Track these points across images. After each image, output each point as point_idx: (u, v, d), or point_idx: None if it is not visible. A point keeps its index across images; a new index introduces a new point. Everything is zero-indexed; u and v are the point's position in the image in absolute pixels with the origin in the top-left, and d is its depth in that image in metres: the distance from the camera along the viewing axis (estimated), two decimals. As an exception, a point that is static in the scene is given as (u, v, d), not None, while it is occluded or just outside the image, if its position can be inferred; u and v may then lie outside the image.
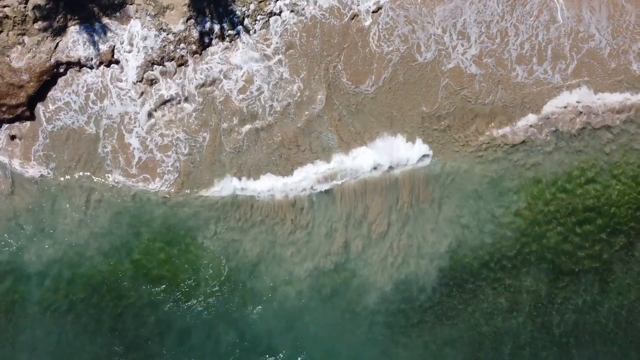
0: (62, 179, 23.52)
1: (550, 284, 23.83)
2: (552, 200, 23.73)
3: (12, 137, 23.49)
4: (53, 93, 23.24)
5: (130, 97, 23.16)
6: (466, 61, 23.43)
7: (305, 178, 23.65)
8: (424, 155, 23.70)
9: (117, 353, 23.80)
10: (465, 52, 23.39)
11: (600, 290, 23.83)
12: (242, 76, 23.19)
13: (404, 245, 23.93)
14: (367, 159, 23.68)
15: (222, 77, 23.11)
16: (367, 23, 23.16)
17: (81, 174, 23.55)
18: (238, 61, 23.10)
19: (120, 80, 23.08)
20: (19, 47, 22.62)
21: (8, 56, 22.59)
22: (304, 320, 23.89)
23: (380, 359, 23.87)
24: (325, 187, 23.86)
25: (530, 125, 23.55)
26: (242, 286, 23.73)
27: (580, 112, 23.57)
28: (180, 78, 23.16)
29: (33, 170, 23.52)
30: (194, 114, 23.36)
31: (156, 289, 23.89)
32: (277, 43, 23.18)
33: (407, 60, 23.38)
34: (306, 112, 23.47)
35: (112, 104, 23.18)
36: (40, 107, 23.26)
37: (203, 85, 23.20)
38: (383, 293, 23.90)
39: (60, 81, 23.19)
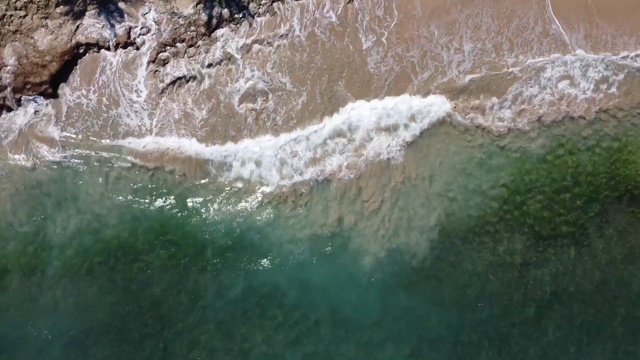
0: (84, 152, 25.66)
1: (531, 247, 25.86)
2: (532, 170, 25.85)
3: (36, 112, 25.56)
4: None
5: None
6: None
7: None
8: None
9: (132, 313, 25.75)
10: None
11: (576, 253, 25.86)
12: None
13: (395, 219, 25.97)
14: None
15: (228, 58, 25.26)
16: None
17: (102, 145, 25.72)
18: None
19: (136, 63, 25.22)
20: (43, 29, 24.69)
21: (32, 38, 24.67)
22: (307, 272, 25.66)
23: (377, 313, 25.73)
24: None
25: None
26: (250, 244, 25.56)
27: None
28: (190, 57, 25.29)
29: (55, 147, 25.68)
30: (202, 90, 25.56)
31: (168, 252, 25.91)
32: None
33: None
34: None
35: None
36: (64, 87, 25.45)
37: (211, 65, 25.34)
38: (377, 258, 25.90)
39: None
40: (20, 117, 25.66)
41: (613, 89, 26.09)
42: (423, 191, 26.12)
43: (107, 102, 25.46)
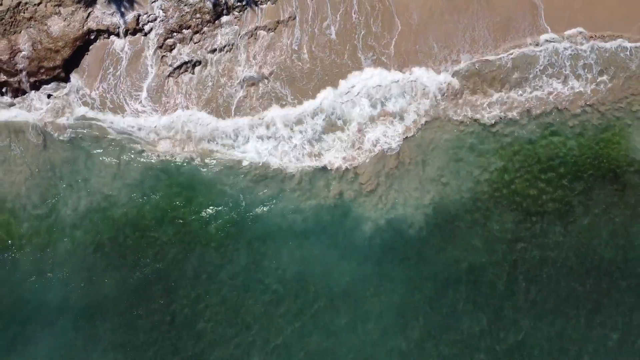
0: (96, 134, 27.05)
1: (519, 224, 27.20)
2: (520, 151, 27.22)
3: (49, 96, 26.93)
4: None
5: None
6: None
7: None
8: None
9: (140, 286, 27.04)
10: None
11: (562, 229, 27.18)
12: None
13: (392, 197, 27.35)
14: None
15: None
16: None
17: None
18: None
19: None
20: (56, 17, 26.07)
21: (46, 25, 26.04)
22: (309, 240, 27.00)
23: (374, 282, 27.07)
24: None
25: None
26: (255, 216, 26.91)
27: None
28: (196, 44, 26.69)
29: (69, 129, 27.07)
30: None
31: (174, 228, 27.24)
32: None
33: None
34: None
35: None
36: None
37: (215, 50, 26.73)
38: (376, 225, 27.16)
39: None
40: (36, 100, 27.01)
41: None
42: (416, 176, 27.50)
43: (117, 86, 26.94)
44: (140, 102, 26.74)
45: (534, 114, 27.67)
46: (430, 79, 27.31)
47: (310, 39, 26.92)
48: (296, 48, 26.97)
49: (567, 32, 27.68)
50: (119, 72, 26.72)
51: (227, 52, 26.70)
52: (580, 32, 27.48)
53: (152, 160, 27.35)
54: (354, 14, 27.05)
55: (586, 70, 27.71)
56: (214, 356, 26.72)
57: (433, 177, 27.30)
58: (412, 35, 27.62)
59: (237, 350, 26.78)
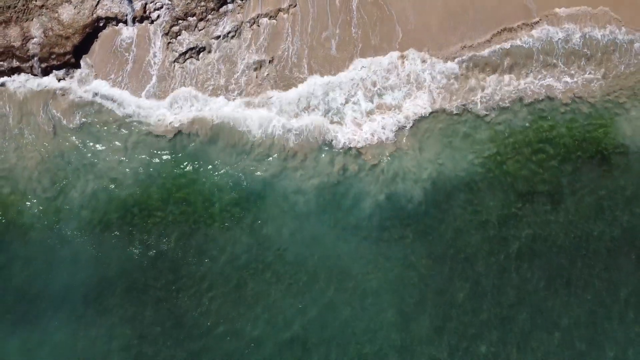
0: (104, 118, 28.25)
1: (511, 204, 28.38)
2: (511, 135, 28.41)
3: (59, 80, 28.09)
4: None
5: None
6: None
7: None
8: None
9: (146, 264, 28.16)
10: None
11: (551, 209, 28.32)
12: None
13: (392, 172, 28.50)
14: None
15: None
16: None
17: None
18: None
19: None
20: (66, 4, 27.25)
21: (57, 12, 27.22)
22: (310, 222, 28.10)
23: (372, 260, 28.25)
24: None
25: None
26: (256, 197, 28.10)
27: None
28: (201, 30, 27.89)
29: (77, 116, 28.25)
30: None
31: (179, 209, 28.40)
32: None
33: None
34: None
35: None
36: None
37: (219, 37, 27.94)
38: (376, 203, 28.29)
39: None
40: (46, 84, 28.18)
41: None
42: (414, 158, 28.69)
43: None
44: (148, 86, 27.90)
45: (525, 102, 28.80)
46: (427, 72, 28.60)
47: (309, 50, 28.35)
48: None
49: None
50: (127, 58, 27.87)
51: (230, 38, 27.89)
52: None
53: (158, 143, 28.48)
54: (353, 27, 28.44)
55: (577, 63, 28.89)
56: (218, 330, 27.83)
57: (430, 158, 28.43)
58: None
59: (240, 325, 27.90)
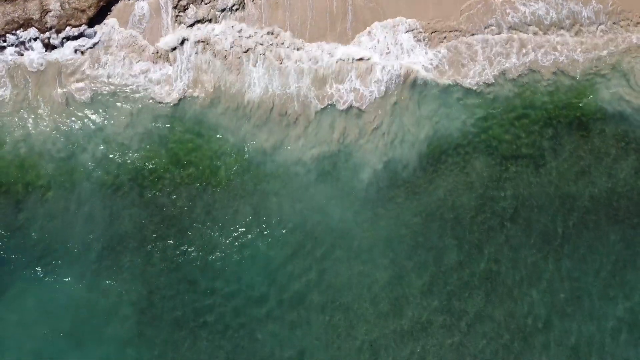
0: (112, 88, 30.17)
1: (495, 166, 30.32)
2: (496, 101, 30.44)
3: (75, 51, 30.10)
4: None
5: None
6: None
7: None
8: None
9: (156, 223, 30.02)
10: None
11: (534, 171, 30.32)
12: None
13: (392, 133, 30.34)
14: None
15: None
16: None
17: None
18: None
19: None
20: (82, -21, 29.30)
21: (73, -14, 29.28)
22: (310, 192, 29.92)
23: (367, 225, 30.15)
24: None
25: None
26: (258, 167, 29.90)
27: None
28: (207, 4, 29.91)
29: (87, 88, 30.18)
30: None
31: (186, 172, 30.36)
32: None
33: None
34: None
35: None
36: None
37: (224, 9, 29.98)
38: (374, 169, 30.12)
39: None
40: (60, 56, 30.13)
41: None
42: (414, 113, 30.57)
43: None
44: (158, 57, 29.92)
45: (509, 77, 30.76)
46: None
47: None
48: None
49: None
50: (139, 29, 29.89)
51: (235, 10, 29.91)
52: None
53: (165, 109, 30.34)
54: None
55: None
56: (224, 288, 29.72)
57: (427, 115, 30.33)
58: None
59: (243, 281, 29.81)
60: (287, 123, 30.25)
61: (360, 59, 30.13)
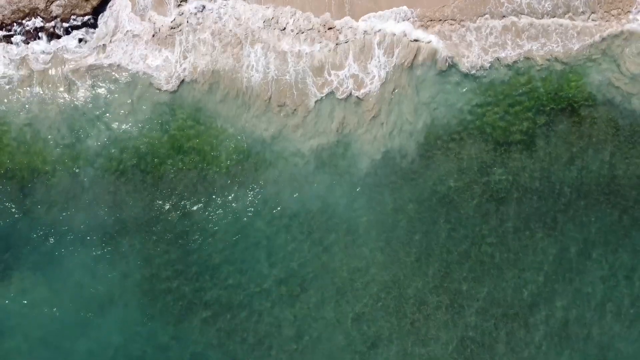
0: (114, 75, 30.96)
1: (489, 152, 31.06)
2: (490, 88, 31.20)
3: (80, 40, 30.86)
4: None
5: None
6: None
7: None
8: None
9: (158, 207, 30.89)
10: None
11: (527, 156, 31.04)
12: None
13: (391, 124, 31.06)
14: None
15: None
16: None
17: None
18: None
19: None
20: (86, -31, 30.05)
21: (79, -24, 30.04)
22: (308, 181, 30.63)
23: (364, 210, 30.87)
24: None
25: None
26: (257, 157, 30.62)
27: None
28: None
29: (88, 75, 30.93)
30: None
31: (188, 158, 31.14)
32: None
33: None
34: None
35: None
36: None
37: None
38: (372, 161, 30.85)
39: None
40: (65, 45, 30.90)
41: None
42: (412, 100, 31.24)
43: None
44: (159, 43, 30.70)
45: (504, 63, 31.44)
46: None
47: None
48: None
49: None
50: (142, 16, 30.67)
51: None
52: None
53: (165, 96, 30.95)
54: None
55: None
56: (223, 268, 30.58)
57: (425, 101, 30.98)
58: None
59: (243, 264, 30.65)
60: (285, 113, 30.88)
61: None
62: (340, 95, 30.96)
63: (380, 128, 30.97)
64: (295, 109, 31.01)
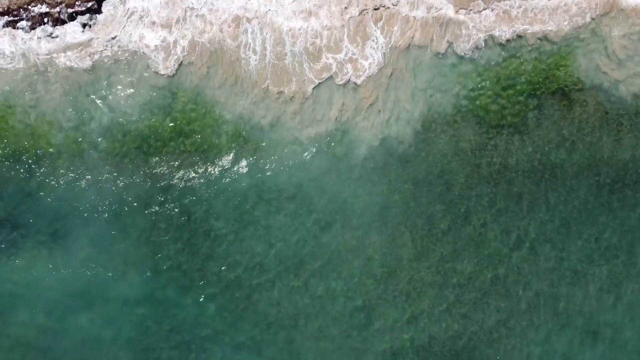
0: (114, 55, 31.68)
1: (482, 134, 31.96)
2: (483, 72, 32.09)
3: (84, 25, 31.65)
4: None
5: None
6: None
7: None
8: None
9: (161, 188, 31.64)
10: None
11: (519, 139, 31.98)
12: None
13: (388, 111, 31.90)
14: None
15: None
16: None
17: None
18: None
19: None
20: (90, -45, 30.84)
21: (81, -37, 30.83)
22: (306, 168, 31.52)
23: (361, 192, 31.72)
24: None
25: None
26: (256, 144, 31.41)
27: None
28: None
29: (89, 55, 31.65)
30: None
31: (189, 140, 31.96)
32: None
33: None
34: None
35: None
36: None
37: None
38: (370, 147, 31.67)
39: None
40: (69, 30, 31.67)
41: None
42: (409, 86, 32.02)
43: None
44: (159, 25, 31.48)
45: (497, 41, 32.25)
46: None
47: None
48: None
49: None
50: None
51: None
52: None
53: (164, 80, 31.52)
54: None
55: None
56: (224, 247, 31.44)
57: (422, 87, 31.77)
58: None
59: (243, 244, 31.54)
60: (284, 100, 31.60)
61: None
62: (339, 80, 31.67)
63: (377, 116, 31.80)
64: (293, 96, 31.69)
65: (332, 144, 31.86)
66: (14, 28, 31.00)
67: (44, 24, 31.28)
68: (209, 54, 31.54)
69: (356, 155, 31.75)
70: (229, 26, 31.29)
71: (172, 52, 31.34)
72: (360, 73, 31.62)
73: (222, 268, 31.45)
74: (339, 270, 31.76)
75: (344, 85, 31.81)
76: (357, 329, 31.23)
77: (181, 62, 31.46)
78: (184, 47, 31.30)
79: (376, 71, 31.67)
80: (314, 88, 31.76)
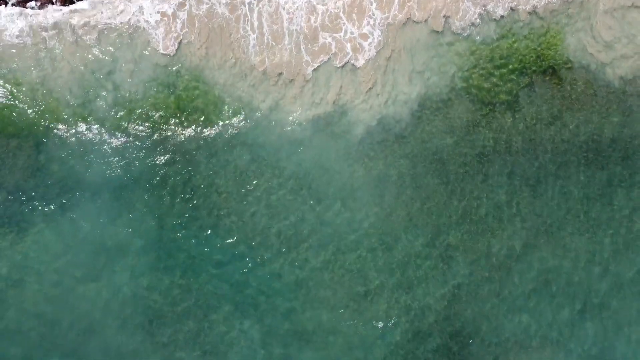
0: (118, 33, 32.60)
1: (475, 112, 33.02)
2: (476, 51, 33.23)
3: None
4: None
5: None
6: None
7: None
8: None
9: (165, 164, 32.68)
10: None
11: (511, 117, 33.09)
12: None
13: (387, 93, 32.92)
14: None
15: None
16: None
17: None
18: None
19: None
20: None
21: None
22: (304, 146, 32.54)
23: (358, 166, 32.82)
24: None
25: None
26: (255, 122, 32.50)
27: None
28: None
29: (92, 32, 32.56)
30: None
31: (193, 117, 32.98)
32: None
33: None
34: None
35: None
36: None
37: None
38: (367, 127, 32.73)
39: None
40: (77, 7, 32.57)
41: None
42: (407, 68, 33.08)
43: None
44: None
45: (492, 17, 33.14)
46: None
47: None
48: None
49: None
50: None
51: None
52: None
53: (165, 59, 32.48)
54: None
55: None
56: (226, 222, 32.43)
57: (419, 69, 32.77)
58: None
59: (244, 214, 32.51)
60: (284, 84, 32.52)
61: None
62: (338, 63, 32.56)
63: (376, 98, 32.80)
64: (292, 79, 32.63)
65: (331, 123, 32.83)
66: (24, 7, 31.94)
67: (53, 4, 32.22)
68: (207, 32, 32.39)
69: (354, 135, 32.74)
70: (231, 7, 32.18)
71: (172, 28, 32.13)
72: (359, 56, 32.49)
73: (222, 235, 32.32)
74: (335, 240, 32.68)
75: (343, 67, 32.71)
76: (354, 300, 32.32)
77: (180, 40, 32.31)
78: (183, 22, 32.06)
79: (375, 54, 32.58)
80: (313, 70, 32.65)
